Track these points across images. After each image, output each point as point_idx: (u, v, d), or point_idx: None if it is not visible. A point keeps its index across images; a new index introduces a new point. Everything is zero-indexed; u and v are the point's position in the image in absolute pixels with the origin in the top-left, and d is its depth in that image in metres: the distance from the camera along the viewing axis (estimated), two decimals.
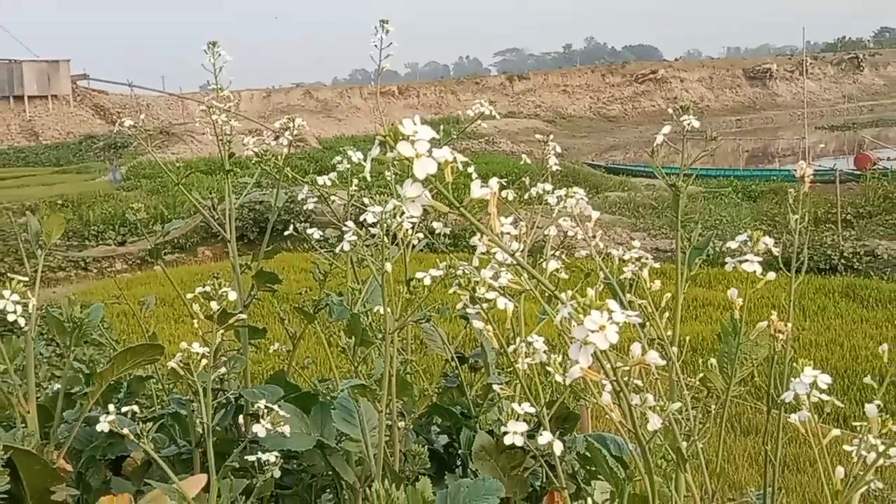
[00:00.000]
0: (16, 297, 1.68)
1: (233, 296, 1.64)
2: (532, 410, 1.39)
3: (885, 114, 56.23)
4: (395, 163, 0.88)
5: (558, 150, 2.10)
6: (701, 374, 1.44)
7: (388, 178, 1.77)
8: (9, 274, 1.74)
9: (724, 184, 22.04)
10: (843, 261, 14.08)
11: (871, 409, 1.19)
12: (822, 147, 36.47)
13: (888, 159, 26.06)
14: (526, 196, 1.81)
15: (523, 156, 2.75)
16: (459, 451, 2.03)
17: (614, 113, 56.01)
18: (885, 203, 18.06)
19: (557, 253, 1.74)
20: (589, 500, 1.43)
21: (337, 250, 1.90)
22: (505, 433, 1.32)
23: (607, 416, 1.22)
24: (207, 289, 1.63)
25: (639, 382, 1.26)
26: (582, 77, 59.11)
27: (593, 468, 1.79)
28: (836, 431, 1.29)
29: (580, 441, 1.85)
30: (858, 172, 23.09)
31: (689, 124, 1.52)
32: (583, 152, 36.95)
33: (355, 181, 2.12)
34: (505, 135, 34.21)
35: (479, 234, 1.08)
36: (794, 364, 1.22)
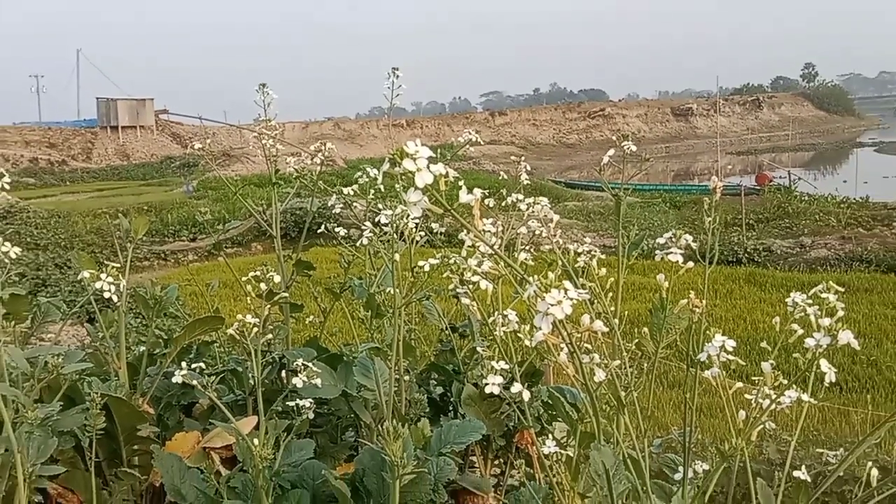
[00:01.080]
0: (111, 280, 1.67)
1: (277, 279, 1.64)
2: (507, 367, 1.39)
3: (779, 142, 56.44)
4: (402, 176, 0.87)
5: (528, 169, 2.09)
6: (636, 340, 1.43)
7: (398, 189, 1.76)
8: (105, 262, 1.73)
9: (655, 196, 22.07)
10: (746, 255, 14.13)
11: (766, 366, 1.19)
12: (731, 168, 36.42)
13: (780, 178, 26.11)
14: (503, 203, 1.80)
15: (501, 173, 2.74)
16: (451, 399, 2.03)
17: (572, 141, 55.88)
18: (779, 211, 18.15)
19: (527, 247, 1.74)
20: (550, 436, 1.43)
21: (358, 244, 1.90)
22: (486, 385, 1.32)
23: (565, 372, 1.22)
24: (258, 274, 1.62)
25: (588, 346, 1.26)
26: (547, 113, 59.02)
27: (554, 412, 1.79)
28: (739, 384, 1.29)
29: (544, 391, 1.85)
30: (758, 188, 23.13)
31: (628, 149, 1.52)
32: (547, 171, 36.83)
33: (372, 191, 2.11)
34: (488, 158, 34.03)
35: (466, 232, 1.08)
36: (707, 332, 1.22)
